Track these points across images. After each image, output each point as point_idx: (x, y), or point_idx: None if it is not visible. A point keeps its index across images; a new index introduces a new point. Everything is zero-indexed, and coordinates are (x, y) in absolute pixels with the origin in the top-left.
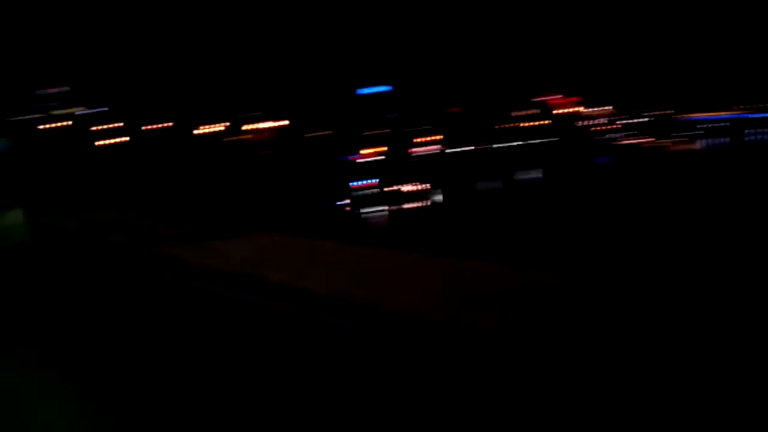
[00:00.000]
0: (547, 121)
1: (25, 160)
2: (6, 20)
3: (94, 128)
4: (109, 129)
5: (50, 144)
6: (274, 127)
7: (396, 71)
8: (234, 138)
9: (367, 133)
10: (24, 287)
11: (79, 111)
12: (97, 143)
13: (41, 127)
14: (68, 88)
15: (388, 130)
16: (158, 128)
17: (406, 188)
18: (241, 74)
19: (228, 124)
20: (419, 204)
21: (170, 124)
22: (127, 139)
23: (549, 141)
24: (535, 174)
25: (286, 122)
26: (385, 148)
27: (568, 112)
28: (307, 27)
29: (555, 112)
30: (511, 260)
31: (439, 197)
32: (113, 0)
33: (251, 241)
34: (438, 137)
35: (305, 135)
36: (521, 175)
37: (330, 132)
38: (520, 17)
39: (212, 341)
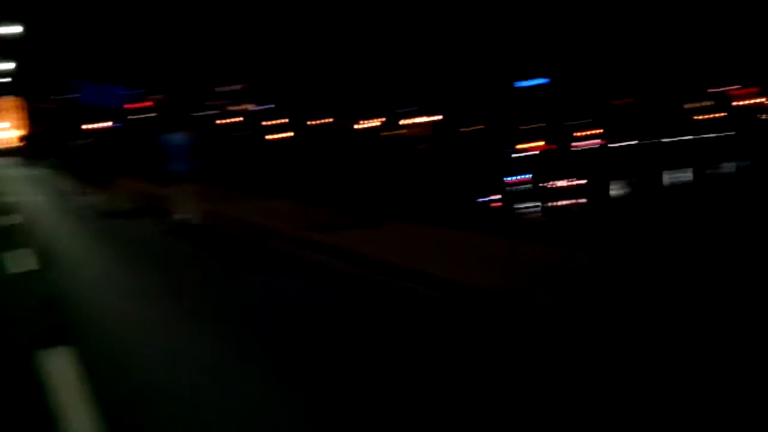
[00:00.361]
0: (722, 113)
1: (203, 151)
2: (193, 28)
3: (263, 123)
4: (276, 124)
5: (224, 137)
6: (429, 121)
7: (554, 63)
8: (391, 132)
9: (523, 127)
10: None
11: (250, 107)
12: (266, 137)
13: (218, 122)
14: (240, 87)
15: (545, 124)
16: (320, 124)
17: (563, 183)
18: (398, 70)
19: (384, 119)
20: (577, 200)
21: (330, 119)
22: (292, 134)
23: (728, 135)
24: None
25: (440, 117)
26: (543, 143)
27: (749, 104)
28: (461, 22)
29: (734, 104)
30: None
31: (605, 193)
32: (280, 10)
33: (401, 230)
34: (598, 131)
35: (460, 129)
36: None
37: (483, 126)
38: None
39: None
